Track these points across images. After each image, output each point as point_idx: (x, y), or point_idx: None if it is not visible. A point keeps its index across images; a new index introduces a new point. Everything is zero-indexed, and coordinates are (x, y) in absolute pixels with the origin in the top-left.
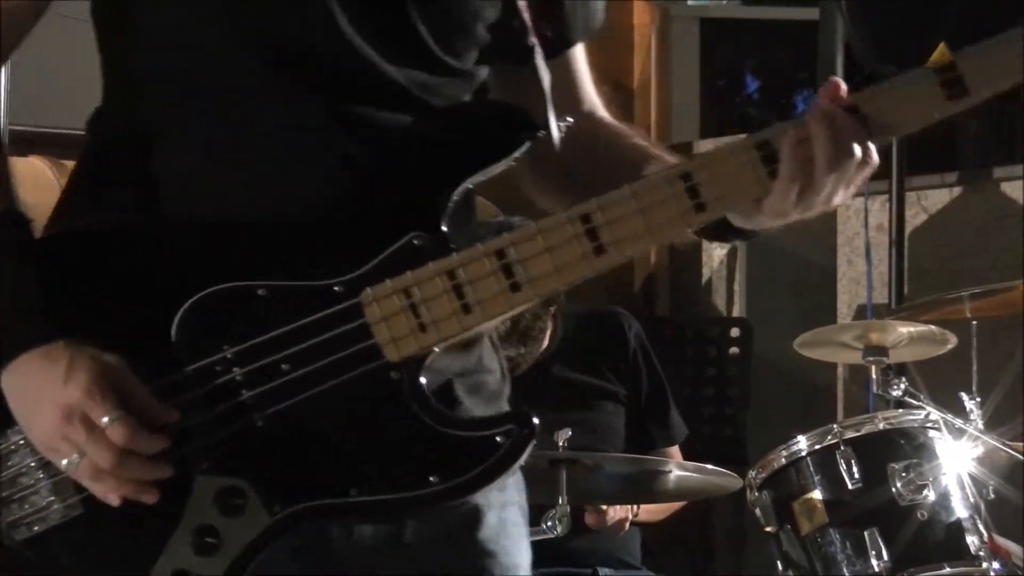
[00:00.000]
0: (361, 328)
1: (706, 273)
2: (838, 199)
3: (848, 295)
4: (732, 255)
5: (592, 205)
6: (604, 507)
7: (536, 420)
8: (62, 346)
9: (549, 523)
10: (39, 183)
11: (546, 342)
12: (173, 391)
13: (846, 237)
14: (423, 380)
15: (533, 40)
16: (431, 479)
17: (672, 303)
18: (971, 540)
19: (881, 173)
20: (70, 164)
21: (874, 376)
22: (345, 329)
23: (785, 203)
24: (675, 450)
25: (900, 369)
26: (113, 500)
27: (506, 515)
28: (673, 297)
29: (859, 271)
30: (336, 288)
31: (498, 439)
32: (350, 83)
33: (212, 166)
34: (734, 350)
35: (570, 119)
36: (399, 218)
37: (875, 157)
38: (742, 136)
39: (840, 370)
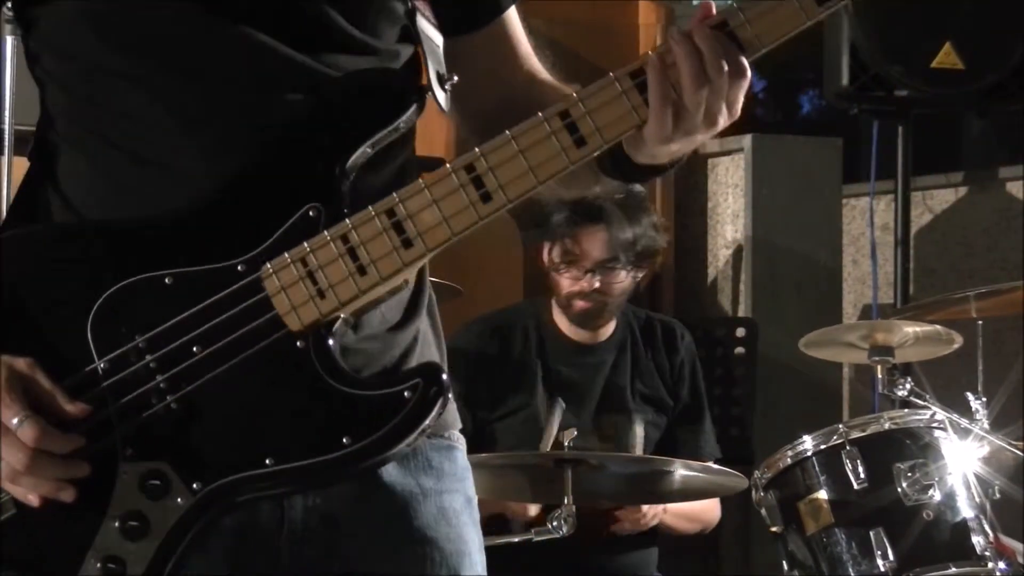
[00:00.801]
0: (263, 302)
1: (711, 273)
2: (722, 119)
3: (853, 295)
4: (737, 255)
5: (475, 154)
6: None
7: (445, 376)
8: None
9: (555, 523)
10: None
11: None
12: (90, 385)
13: (851, 237)
14: (331, 344)
15: (412, 3)
16: (344, 440)
17: (677, 303)
18: (977, 540)
19: (886, 173)
20: None
21: (880, 376)
22: (248, 304)
23: (663, 127)
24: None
25: (906, 369)
26: (33, 500)
27: (444, 502)
28: (678, 297)
29: (864, 271)
30: (239, 268)
31: (405, 394)
32: (251, 68)
33: (113, 164)
34: (740, 350)
35: (455, 77)
36: (296, 192)
37: (746, 68)
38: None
39: (846, 370)
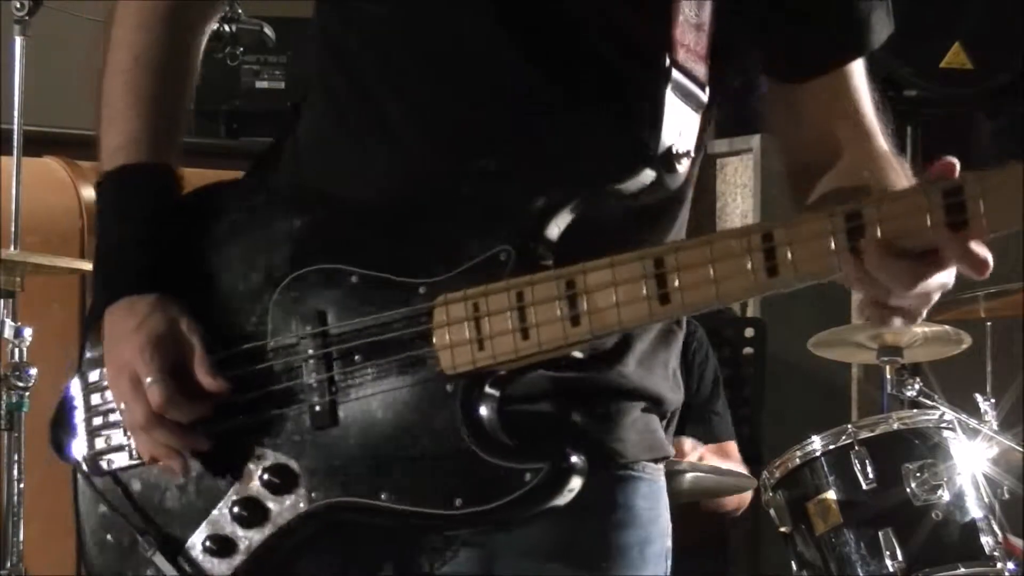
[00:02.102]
0: (425, 333)
1: None
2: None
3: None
4: None
5: (668, 247)
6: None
7: (576, 460)
8: (147, 300)
9: None
10: (53, 183)
11: None
12: (254, 360)
13: None
14: (481, 397)
15: (672, 67)
16: (456, 501)
17: None
18: (986, 540)
19: None
20: (84, 164)
21: (888, 376)
22: (413, 330)
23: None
24: (730, 446)
25: (915, 369)
26: (145, 457)
27: (611, 539)
28: None
29: None
30: (421, 289)
31: (526, 476)
32: (506, 93)
33: (350, 145)
34: (748, 350)
35: (690, 153)
36: (497, 229)
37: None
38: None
39: (855, 370)
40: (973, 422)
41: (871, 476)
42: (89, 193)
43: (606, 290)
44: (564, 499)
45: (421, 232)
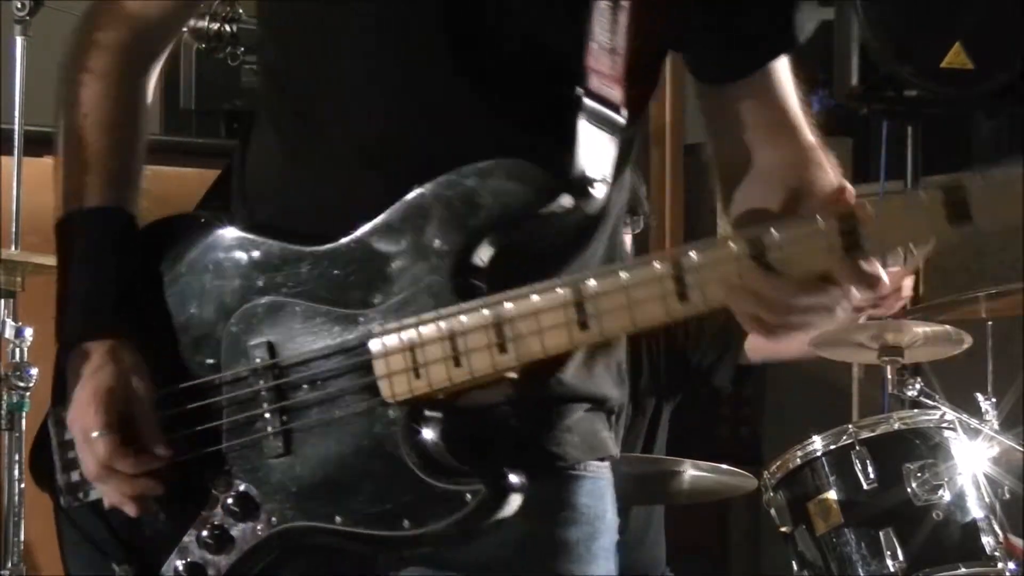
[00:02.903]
0: (367, 363)
1: None
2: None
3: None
4: None
5: (585, 275)
6: None
7: (516, 480)
8: (101, 349)
9: None
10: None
11: None
12: (208, 393)
13: None
14: (422, 423)
15: (584, 93)
16: (404, 523)
17: None
18: (986, 540)
19: (896, 173)
20: None
21: (889, 376)
22: (355, 361)
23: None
24: None
25: (915, 369)
26: (106, 503)
27: (492, 568)
28: None
29: None
30: (360, 319)
31: (466, 497)
32: (445, 125)
33: (293, 173)
34: None
35: (605, 180)
36: (429, 262)
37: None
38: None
39: (855, 370)
40: (974, 422)
41: (872, 476)
42: None
43: (529, 318)
44: (506, 514)
45: (360, 262)
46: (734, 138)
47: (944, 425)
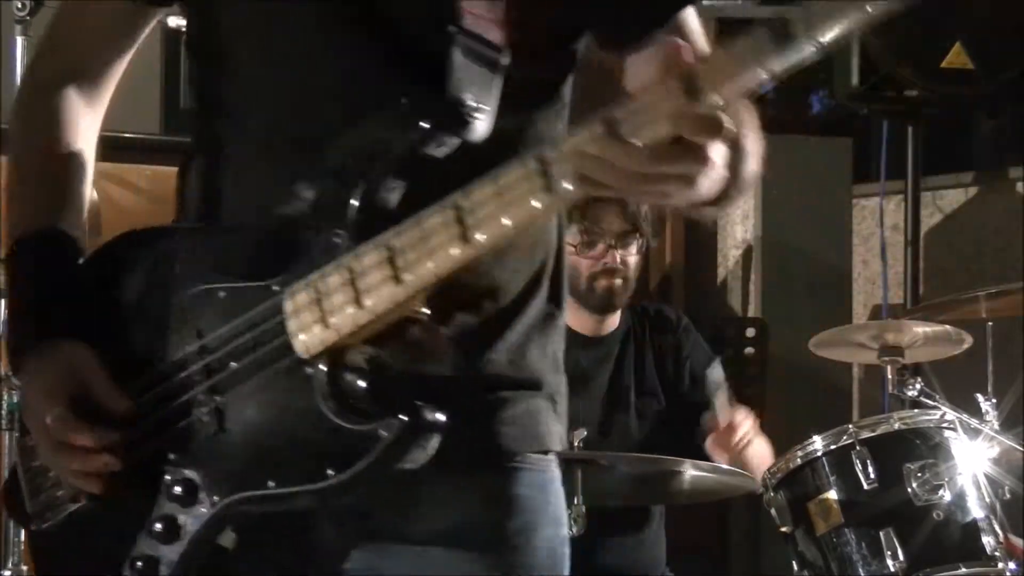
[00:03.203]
0: (280, 323)
1: (721, 273)
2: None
3: (863, 295)
4: (747, 256)
5: (463, 192)
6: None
7: (431, 416)
8: (47, 348)
9: None
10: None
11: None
12: (151, 386)
13: (861, 237)
14: (338, 374)
15: (458, 30)
16: (328, 472)
17: (687, 303)
18: (987, 540)
19: (897, 173)
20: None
21: (889, 376)
22: (269, 324)
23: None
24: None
25: (915, 369)
26: (69, 490)
27: (429, 555)
28: (688, 297)
29: (874, 271)
30: (274, 287)
31: (380, 432)
32: (338, 92)
33: (219, 165)
34: (749, 350)
35: (481, 107)
36: (331, 217)
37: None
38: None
39: (856, 370)
40: (974, 422)
41: (872, 476)
42: (92, 193)
43: (417, 245)
44: (423, 452)
45: (271, 234)
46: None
47: (944, 425)
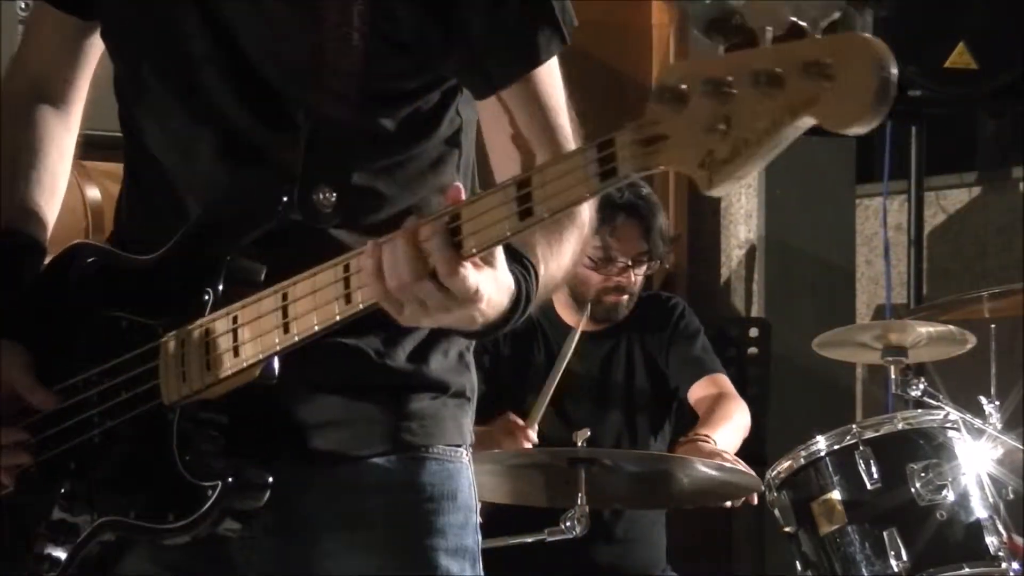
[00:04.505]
0: (154, 368)
1: (725, 273)
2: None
3: (867, 295)
4: (751, 255)
5: (290, 281)
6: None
7: (256, 477)
8: None
9: (568, 523)
10: None
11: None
12: (65, 395)
13: (865, 237)
14: (189, 427)
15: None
16: (169, 516)
17: (690, 303)
18: (990, 540)
19: (900, 173)
20: (88, 164)
21: (893, 376)
22: (149, 367)
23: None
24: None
25: (919, 369)
26: None
27: (336, 537)
28: (692, 297)
29: (878, 271)
30: (160, 329)
31: (208, 492)
32: (218, 148)
33: (137, 213)
34: (753, 350)
35: (330, 198)
36: (206, 272)
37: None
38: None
39: (859, 370)
40: (977, 422)
41: (875, 476)
42: (94, 193)
43: (253, 323)
44: (250, 504)
45: (167, 279)
46: (496, 149)
47: (948, 425)
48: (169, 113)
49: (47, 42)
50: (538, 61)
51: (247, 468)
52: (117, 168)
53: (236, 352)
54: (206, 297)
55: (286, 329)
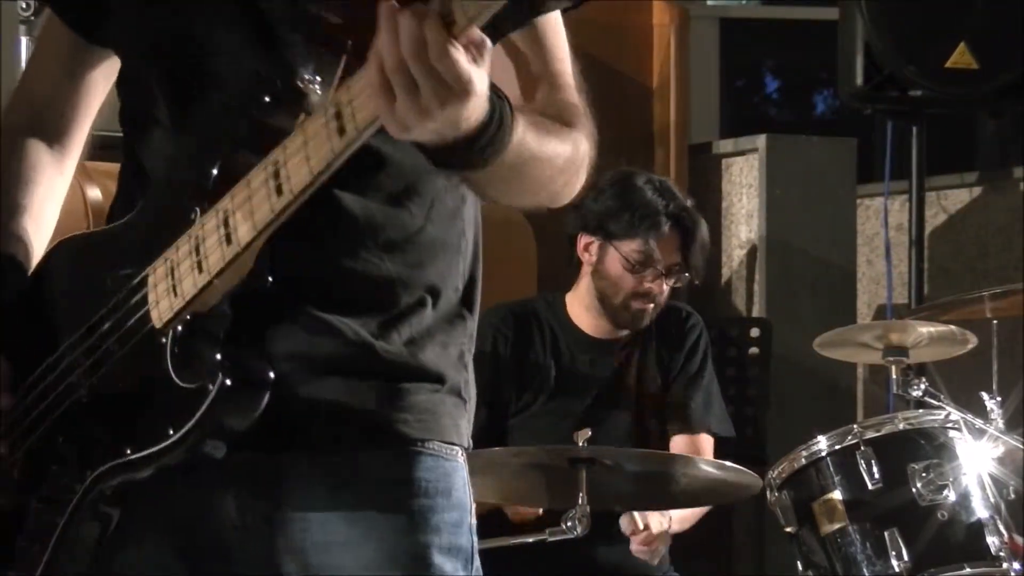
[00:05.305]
0: (143, 298)
1: (726, 273)
2: (443, 97)
3: (868, 295)
4: (752, 255)
5: (278, 148)
6: (643, 528)
7: (257, 370)
8: None
9: (569, 523)
10: None
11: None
12: (43, 375)
13: (866, 237)
14: (185, 340)
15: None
16: (169, 431)
17: (691, 303)
18: (991, 540)
19: (901, 173)
20: (90, 165)
21: (894, 376)
22: (136, 299)
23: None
24: (701, 440)
25: (920, 369)
26: None
27: (330, 529)
28: (692, 297)
29: (879, 271)
30: (147, 270)
31: (208, 387)
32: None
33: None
34: (754, 350)
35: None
36: (193, 198)
37: (441, 44)
38: None
39: (860, 370)
40: (979, 422)
41: (877, 476)
42: (95, 193)
43: (244, 204)
44: (252, 408)
45: (159, 227)
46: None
47: (949, 425)
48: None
49: (51, 67)
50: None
51: (247, 361)
52: (117, 168)
53: (228, 239)
54: (192, 216)
55: (279, 191)
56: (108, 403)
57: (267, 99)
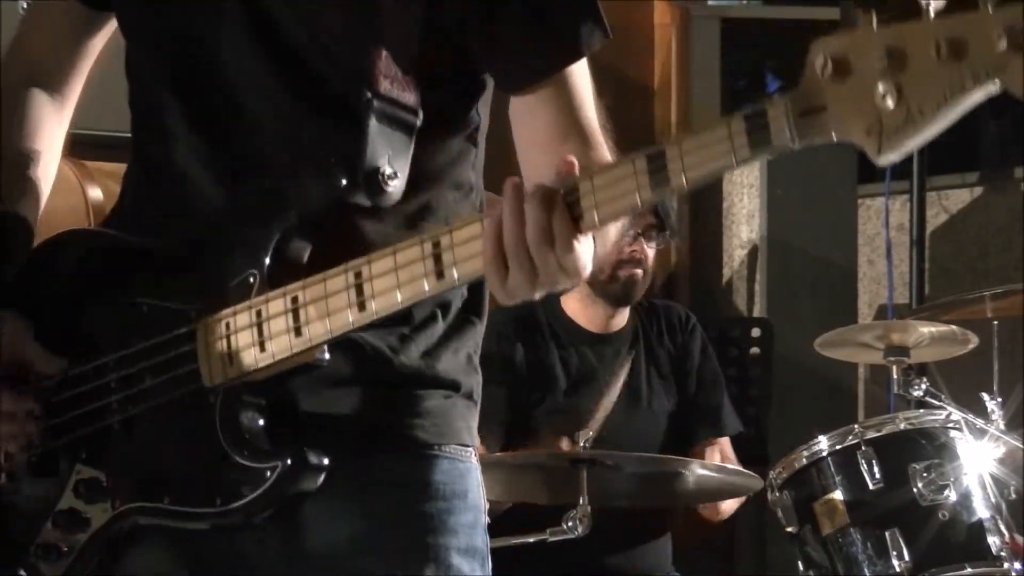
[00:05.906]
0: (191, 351)
1: (727, 273)
2: (558, 280)
3: (869, 295)
4: (753, 256)
5: (365, 259)
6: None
7: (314, 459)
8: None
9: (570, 523)
10: (59, 183)
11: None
12: (70, 385)
13: (867, 237)
14: (236, 408)
15: (372, 93)
16: (216, 500)
17: (693, 303)
18: (992, 540)
19: (902, 173)
20: (90, 164)
21: (895, 376)
22: (182, 350)
23: (494, 282)
24: (726, 443)
25: (921, 369)
26: None
27: (350, 534)
28: (694, 297)
29: (880, 271)
30: (192, 313)
31: (267, 473)
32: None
33: (146, 199)
34: (755, 350)
35: (396, 174)
36: (249, 254)
37: (571, 246)
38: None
39: (861, 370)
40: (979, 422)
41: (878, 476)
42: (96, 193)
43: (319, 302)
44: (306, 488)
45: (196, 260)
46: (533, 146)
47: (950, 425)
48: (198, 96)
49: (51, 29)
50: (581, 54)
51: (307, 450)
52: (118, 168)
53: (298, 332)
54: (251, 279)
55: (362, 307)
56: (143, 440)
57: (344, 181)
